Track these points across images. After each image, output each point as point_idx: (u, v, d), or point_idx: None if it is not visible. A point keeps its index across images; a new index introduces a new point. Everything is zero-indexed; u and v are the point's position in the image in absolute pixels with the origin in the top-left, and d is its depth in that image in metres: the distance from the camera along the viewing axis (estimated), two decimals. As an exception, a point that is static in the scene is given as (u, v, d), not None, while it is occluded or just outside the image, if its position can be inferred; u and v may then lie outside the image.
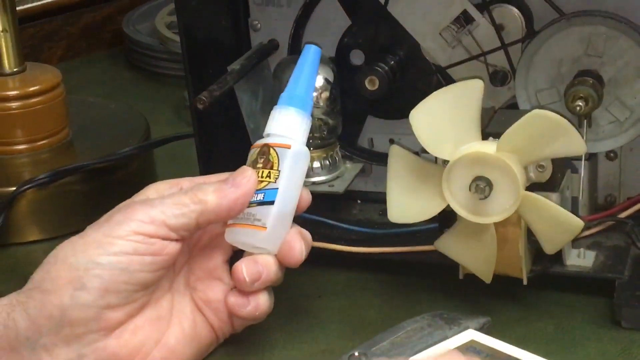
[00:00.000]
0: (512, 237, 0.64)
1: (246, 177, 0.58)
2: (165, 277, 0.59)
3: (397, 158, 0.64)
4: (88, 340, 0.54)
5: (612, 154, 0.72)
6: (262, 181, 0.58)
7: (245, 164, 0.60)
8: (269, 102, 0.77)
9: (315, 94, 0.71)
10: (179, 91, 1.02)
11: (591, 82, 0.67)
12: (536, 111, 0.60)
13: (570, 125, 0.60)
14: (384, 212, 0.67)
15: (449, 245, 0.65)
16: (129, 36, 1.16)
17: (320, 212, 0.71)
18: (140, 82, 1.13)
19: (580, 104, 0.66)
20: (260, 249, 0.59)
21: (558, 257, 0.67)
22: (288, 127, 0.59)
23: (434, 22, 0.72)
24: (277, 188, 0.58)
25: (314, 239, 0.66)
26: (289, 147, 0.58)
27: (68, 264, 0.54)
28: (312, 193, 0.64)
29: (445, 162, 0.62)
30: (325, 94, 0.74)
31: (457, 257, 0.66)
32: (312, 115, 0.63)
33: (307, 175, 0.66)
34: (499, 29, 0.70)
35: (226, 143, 0.76)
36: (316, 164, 0.75)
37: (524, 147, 0.60)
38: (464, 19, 0.71)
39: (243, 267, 0.58)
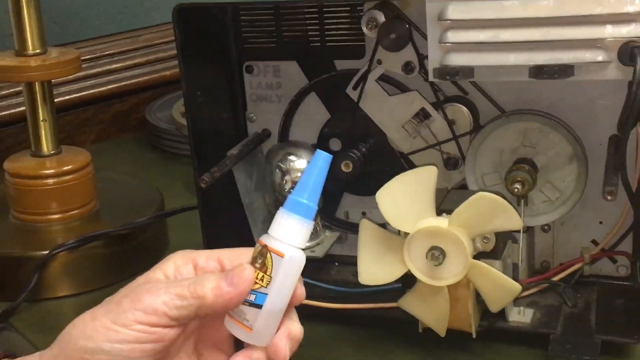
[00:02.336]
0: (462, 297, 0.63)
1: (243, 278, 0.53)
2: (175, 344, 0.55)
3: (366, 231, 0.64)
4: None
5: (546, 227, 0.71)
6: (256, 282, 0.53)
7: (241, 244, 0.58)
8: (262, 182, 0.77)
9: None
10: (191, 168, 1.01)
11: (527, 168, 0.67)
12: (480, 193, 0.60)
13: (509, 204, 0.60)
14: (356, 274, 0.65)
15: (410, 303, 0.65)
16: (150, 122, 1.17)
17: (303, 273, 0.70)
18: (159, 160, 1.13)
19: (517, 186, 0.66)
20: (250, 343, 0.55)
21: (502, 314, 0.66)
22: (288, 233, 0.54)
23: (398, 117, 0.72)
24: (267, 294, 0.53)
25: (298, 296, 0.65)
26: (282, 256, 0.53)
27: (78, 347, 0.51)
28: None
29: (406, 234, 0.61)
30: (309, 175, 0.74)
31: (417, 313, 0.65)
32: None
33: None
34: (451, 123, 0.71)
35: (226, 214, 0.75)
36: (301, 233, 0.75)
37: (471, 222, 0.60)
38: (422, 115, 0.71)
39: None
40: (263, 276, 0.53)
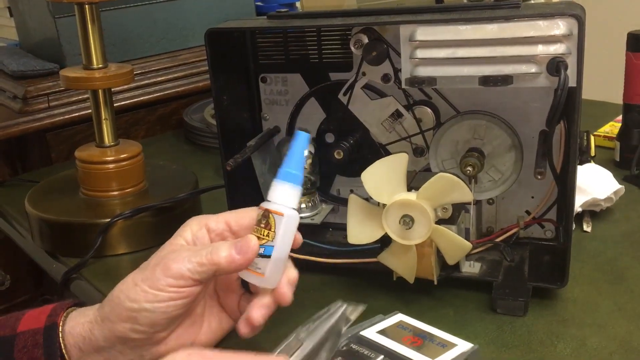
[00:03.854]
0: (426, 253, 0.63)
1: (250, 247, 0.52)
2: (200, 291, 0.54)
3: (353, 203, 0.64)
4: (145, 348, 0.53)
5: (491, 201, 0.71)
6: (263, 238, 0.52)
7: (251, 209, 0.56)
8: (273, 166, 0.77)
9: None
10: (218, 157, 1.01)
11: (476, 155, 0.67)
12: (441, 174, 0.60)
13: (462, 182, 0.59)
14: (346, 236, 0.66)
15: (386, 258, 0.65)
16: (187, 122, 1.16)
17: (305, 236, 0.69)
18: (193, 151, 1.12)
19: (469, 169, 0.66)
20: (263, 286, 0.55)
21: (457, 266, 0.66)
22: (284, 197, 0.53)
23: (378, 116, 0.72)
24: (273, 246, 0.52)
25: (301, 254, 0.65)
26: (282, 215, 0.52)
27: (126, 307, 0.51)
28: (300, 223, 0.62)
29: (384, 205, 0.61)
30: (309, 161, 0.74)
31: (392, 266, 0.65)
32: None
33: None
34: (418, 121, 0.70)
35: (246, 191, 0.75)
36: (303, 205, 0.75)
37: (434, 196, 0.60)
38: (396, 115, 0.71)
39: (260, 316, 0.53)
40: (268, 232, 0.52)
